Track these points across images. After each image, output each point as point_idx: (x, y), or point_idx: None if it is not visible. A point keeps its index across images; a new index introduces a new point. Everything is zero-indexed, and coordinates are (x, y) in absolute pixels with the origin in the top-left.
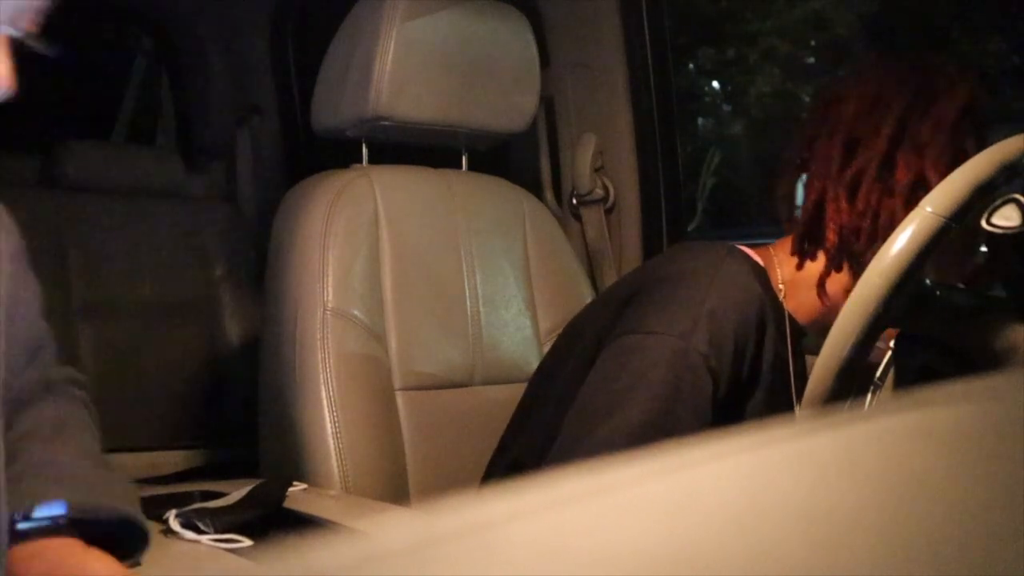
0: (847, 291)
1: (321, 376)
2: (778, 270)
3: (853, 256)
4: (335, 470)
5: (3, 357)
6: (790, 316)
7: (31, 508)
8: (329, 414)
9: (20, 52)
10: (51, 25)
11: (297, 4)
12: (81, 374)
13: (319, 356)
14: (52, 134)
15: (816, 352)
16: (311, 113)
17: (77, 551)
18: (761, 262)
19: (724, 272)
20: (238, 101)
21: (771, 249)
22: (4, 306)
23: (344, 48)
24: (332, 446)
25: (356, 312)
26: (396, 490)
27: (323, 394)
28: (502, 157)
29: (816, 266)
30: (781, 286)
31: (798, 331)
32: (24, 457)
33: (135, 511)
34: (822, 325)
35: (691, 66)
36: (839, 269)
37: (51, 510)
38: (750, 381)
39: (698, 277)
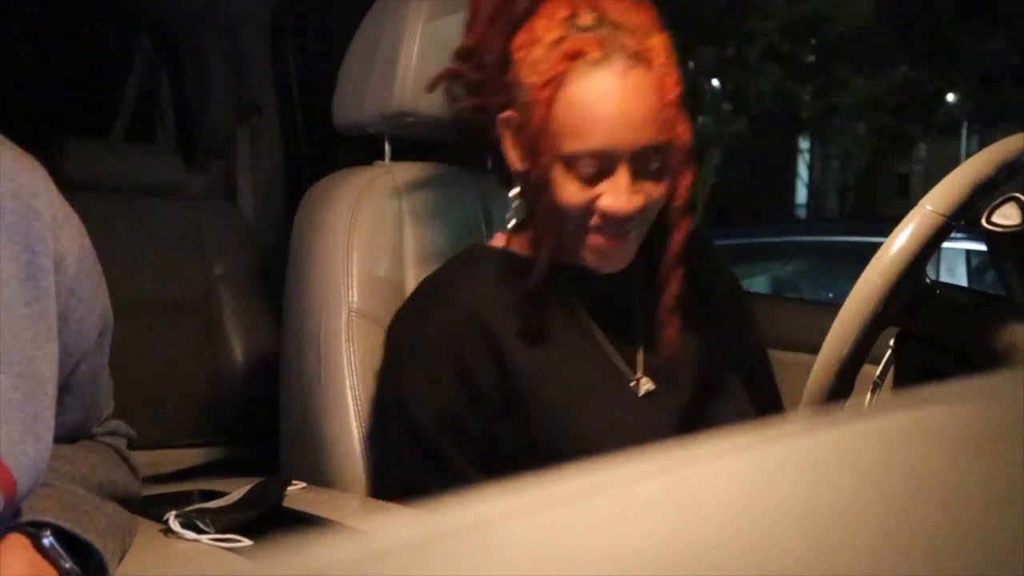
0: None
1: (347, 380)
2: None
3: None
4: (362, 475)
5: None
6: (567, 266)
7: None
8: (355, 419)
9: (20, 53)
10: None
11: (297, 4)
12: (125, 425)
13: (344, 359)
14: (51, 132)
15: (815, 350)
16: (332, 109)
17: (6, 548)
18: (508, 244)
19: (411, 309)
20: (238, 100)
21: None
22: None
23: (367, 43)
24: (359, 452)
25: (381, 313)
26: None
27: (349, 398)
28: None
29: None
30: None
31: (578, 272)
32: None
33: (102, 545)
34: (576, 247)
35: (691, 64)
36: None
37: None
38: (503, 363)
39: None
